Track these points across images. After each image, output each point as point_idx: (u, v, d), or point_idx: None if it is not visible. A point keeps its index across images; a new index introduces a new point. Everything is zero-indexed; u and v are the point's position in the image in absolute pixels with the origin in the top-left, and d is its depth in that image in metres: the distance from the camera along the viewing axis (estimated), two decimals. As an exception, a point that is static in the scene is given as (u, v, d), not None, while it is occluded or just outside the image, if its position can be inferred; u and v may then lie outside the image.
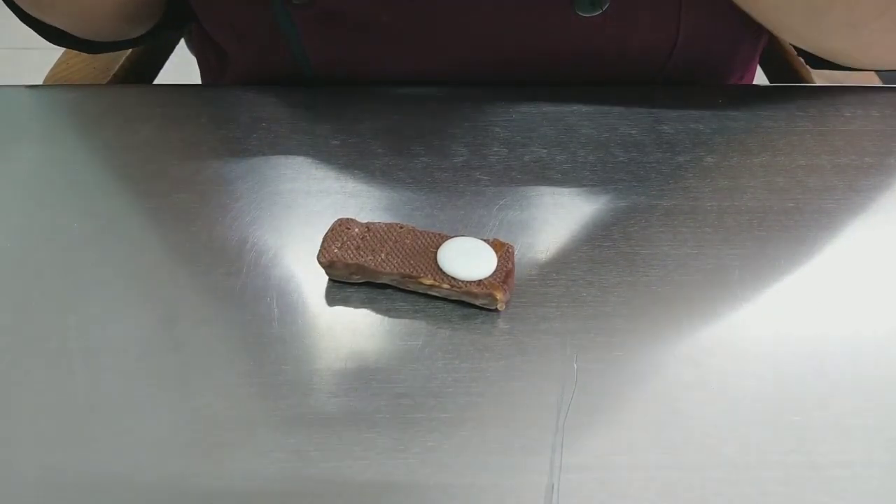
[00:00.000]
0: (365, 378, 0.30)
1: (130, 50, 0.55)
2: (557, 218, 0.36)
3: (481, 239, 0.32)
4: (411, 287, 0.32)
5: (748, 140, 0.41)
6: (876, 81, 0.52)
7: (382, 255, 0.32)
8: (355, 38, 0.43)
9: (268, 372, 0.30)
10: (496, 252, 0.32)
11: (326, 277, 0.33)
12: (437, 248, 0.32)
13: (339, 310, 0.32)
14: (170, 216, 0.36)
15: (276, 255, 0.34)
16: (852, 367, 0.30)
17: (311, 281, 0.33)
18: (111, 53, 0.54)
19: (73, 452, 0.27)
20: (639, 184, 0.38)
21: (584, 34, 0.42)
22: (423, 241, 0.32)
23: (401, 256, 0.32)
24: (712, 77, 0.49)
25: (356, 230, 0.33)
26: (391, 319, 0.32)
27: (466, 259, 0.31)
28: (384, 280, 0.32)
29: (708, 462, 0.27)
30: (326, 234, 0.32)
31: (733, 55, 0.49)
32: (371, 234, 0.33)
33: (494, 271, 0.31)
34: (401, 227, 0.33)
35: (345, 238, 0.32)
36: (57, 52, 0.54)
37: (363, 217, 0.35)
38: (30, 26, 0.44)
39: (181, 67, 0.68)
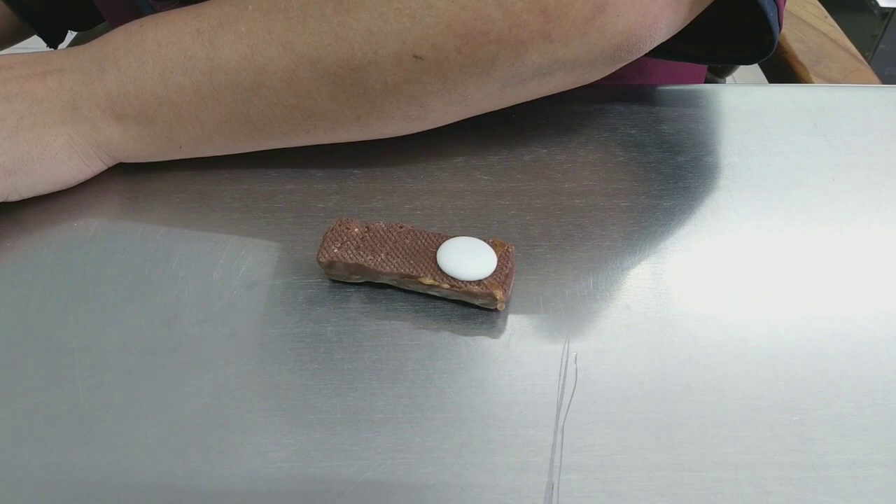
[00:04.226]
0: (365, 378, 0.30)
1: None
2: (557, 218, 0.36)
3: (481, 239, 0.32)
4: (411, 287, 0.32)
5: (748, 140, 0.41)
6: (876, 81, 0.52)
7: (382, 255, 0.32)
8: None
9: (268, 372, 0.30)
10: (496, 252, 0.32)
11: (326, 277, 0.33)
12: (437, 248, 0.32)
13: (339, 310, 0.32)
14: (169, 216, 0.36)
15: (276, 255, 0.34)
16: (852, 366, 0.30)
17: (311, 281, 0.33)
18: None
19: (73, 452, 0.27)
20: (639, 184, 0.38)
21: None
22: (423, 241, 0.32)
23: (401, 256, 0.32)
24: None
25: (356, 230, 0.33)
26: (391, 319, 0.32)
27: (466, 259, 0.31)
28: (384, 280, 0.32)
29: (708, 462, 0.27)
30: (326, 234, 0.32)
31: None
32: (371, 234, 0.33)
33: (494, 271, 0.31)
34: (401, 227, 0.33)
35: (345, 238, 0.32)
36: (57, 52, 0.54)
37: (363, 217, 0.35)
38: None
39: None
